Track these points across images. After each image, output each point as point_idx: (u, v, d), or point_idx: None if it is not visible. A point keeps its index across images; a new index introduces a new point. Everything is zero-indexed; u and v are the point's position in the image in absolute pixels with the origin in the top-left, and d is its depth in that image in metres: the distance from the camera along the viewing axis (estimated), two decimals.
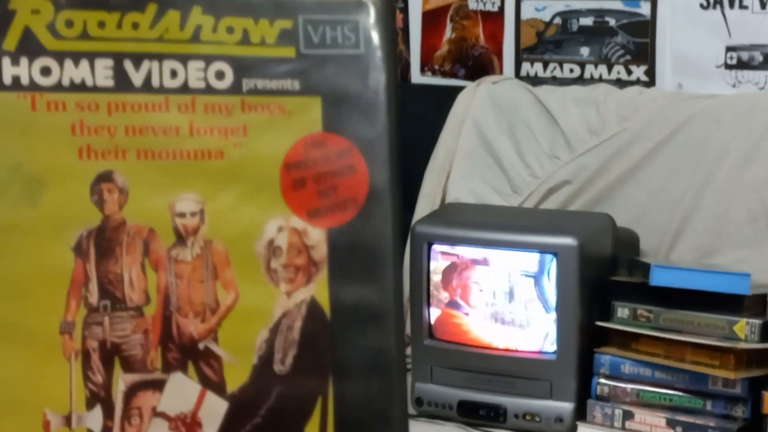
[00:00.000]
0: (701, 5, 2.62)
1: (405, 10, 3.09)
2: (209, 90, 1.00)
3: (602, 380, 2.23)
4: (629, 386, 2.21)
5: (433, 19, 3.06)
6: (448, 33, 3.03)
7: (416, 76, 3.10)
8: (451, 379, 2.34)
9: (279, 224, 1.00)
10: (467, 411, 2.32)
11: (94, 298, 0.98)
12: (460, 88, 2.90)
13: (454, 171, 2.82)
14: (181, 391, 0.98)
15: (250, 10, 1.00)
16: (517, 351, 2.29)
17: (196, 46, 1.00)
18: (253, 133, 1.00)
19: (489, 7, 2.95)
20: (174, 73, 0.99)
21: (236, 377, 0.99)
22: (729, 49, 2.60)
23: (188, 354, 0.99)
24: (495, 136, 2.79)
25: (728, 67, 2.61)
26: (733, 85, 2.61)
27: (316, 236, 1.00)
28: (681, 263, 2.39)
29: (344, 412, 1.00)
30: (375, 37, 1.02)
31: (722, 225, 2.48)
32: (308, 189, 1.00)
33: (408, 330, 2.52)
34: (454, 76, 3.04)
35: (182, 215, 0.99)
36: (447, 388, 2.34)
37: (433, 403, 2.35)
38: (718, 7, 2.60)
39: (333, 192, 1.01)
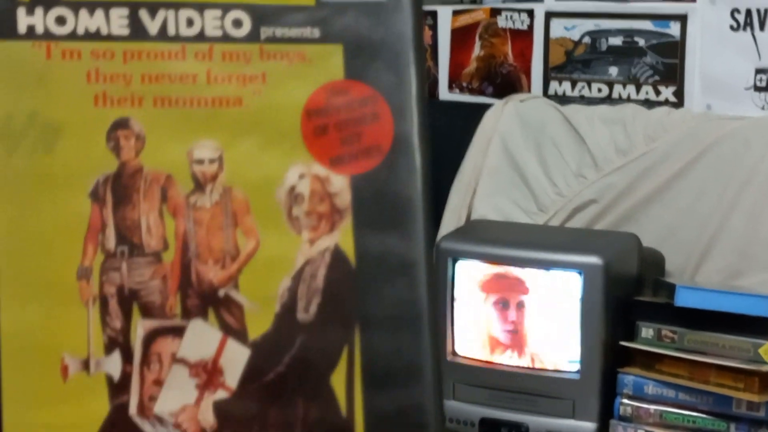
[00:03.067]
0: (731, 27, 2.62)
1: (434, 27, 3.10)
2: (226, 38, 0.98)
3: (625, 400, 2.22)
4: (652, 407, 2.20)
5: (461, 37, 3.07)
6: (477, 50, 3.04)
7: (444, 93, 3.10)
8: (473, 396, 2.34)
9: (300, 171, 0.98)
10: (489, 428, 2.31)
11: (111, 243, 0.96)
12: (487, 106, 2.91)
13: (481, 188, 2.82)
14: (201, 337, 0.96)
15: None
16: (540, 369, 2.28)
17: None
18: (272, 81, 0.98)
19: (518, 26, 2.96)
20: (190, 22, 0.98)
21: (258, 325, 0.97)
22: (759, 71, 2.60)
23: (208, 301, 0.96)
24: (522, 154, 2.79)
25: (757, 89, 2.60)
26: (762, 107, 2.60)
27: (339, 183, 0.98)
28: (707, 284, 2.38)
29: (372, 363, 0.97)
30: None
31: (749, 247, 2.47)
32: (330, 136, 0.98)
33: None
34: (482, 93, 3.04)
35: (200, 162, 0.97)
36: (469, 405, 2.34)
37: (455, 420, 2.34)
38: (748, 29, 2.60)
39: (356, 139, 0.99)
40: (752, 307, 2.12)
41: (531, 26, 2.93)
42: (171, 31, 0.98)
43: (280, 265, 0.98)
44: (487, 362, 2.32)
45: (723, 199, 2.51)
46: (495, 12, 2.99)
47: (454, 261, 2.33)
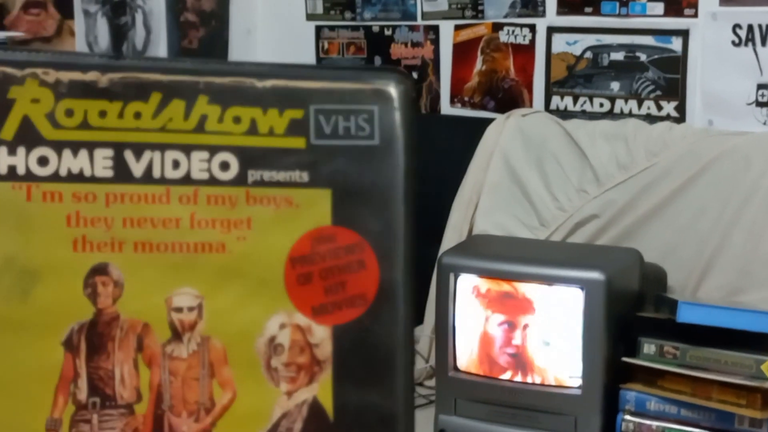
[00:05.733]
0: (733, 42, 2.62)
1: (436, 42, 3.10)
2: (212, 181, 0.95)
3: (627, 417, 2.22)
4: (654, 423, 2.20)
5: (463, 51, 3.07)
6: (479, 65, 3.04)
7: (446, 108, 3.10)
8: (475, 411, 2.33)
9: (281, 321, 0.95)
10: None
11: (83, 394, 0.94)
12: (489, 120, 2.91)
13: (482, 203, 2.82)
14: None
15: (258, 100, 0.95)
16: (541, 385, 2.28)
17: (200, 137, 0.95)
18: (257, 227, 0.95)
19: (520, 40, 2.96)
20: (176, 164, 0.95)
21: None
22: (760, 86, 2.60)
23: None
24: (523, 169, 2.79)
25: (759, 104, 2.60)
26: (764, 123, 2.60)
27: (321, 334, 0.95)
28: (708, 301, 2.37)
29: None
30: (391, 127, 0.96)
31: (750, 263, 2.47)
32: (314, 285, 0.95)
33: (432, 361, 2.52)
34: (484, 108, 3.04)
35: (179, 310, 0.95)
36: (471, 420, 2.33)
37: None
38: (749, 44, 2.60)
39: (340, 288, 0.95)
40: (755, 323, 2.12)
41: (533, 41, 2.94)
42: (156, 173, 0.95)
43: (256, 419, 0.95)
44: (488, 377, 2.32)
45: (723, 216, 2.51)
46: (497, 27, 2.99)
47: (456, 276, 2.33)
